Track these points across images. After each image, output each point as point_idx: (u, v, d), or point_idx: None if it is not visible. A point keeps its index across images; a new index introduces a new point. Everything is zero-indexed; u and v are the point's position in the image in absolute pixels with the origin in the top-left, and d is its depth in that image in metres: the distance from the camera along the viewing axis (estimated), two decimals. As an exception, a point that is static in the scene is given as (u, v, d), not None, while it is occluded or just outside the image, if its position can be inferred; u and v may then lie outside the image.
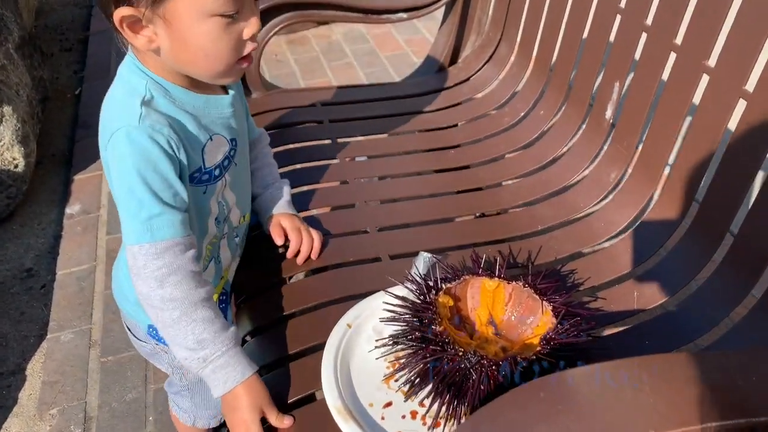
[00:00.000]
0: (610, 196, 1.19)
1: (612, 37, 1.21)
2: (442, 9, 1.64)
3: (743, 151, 0.95)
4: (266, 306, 0.97)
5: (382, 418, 0.77)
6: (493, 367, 0.72)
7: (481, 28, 1.64)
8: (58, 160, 2.27)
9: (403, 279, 0.88)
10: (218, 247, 0.96)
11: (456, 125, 1.45)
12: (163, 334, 0.82)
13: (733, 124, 0.98)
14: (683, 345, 0.92)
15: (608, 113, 1.22)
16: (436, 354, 0.73)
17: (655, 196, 1.13)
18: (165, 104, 0.81)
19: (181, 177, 0.81)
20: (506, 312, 0.86)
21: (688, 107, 1.05)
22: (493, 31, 1.59)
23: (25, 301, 1.76)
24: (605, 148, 1.24)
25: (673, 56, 1.07)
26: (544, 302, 0.83)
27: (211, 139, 0.87)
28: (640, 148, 1.16)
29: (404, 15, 1.55)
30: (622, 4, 1.18)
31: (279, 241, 1.03)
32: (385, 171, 1.29)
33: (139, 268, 0.78)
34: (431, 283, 0.84)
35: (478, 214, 1.21)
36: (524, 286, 0.85)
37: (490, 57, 1.59)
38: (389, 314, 0.82)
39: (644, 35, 1.12)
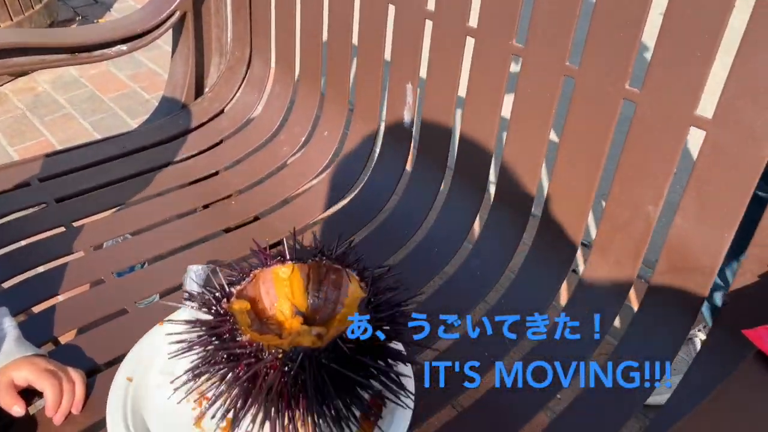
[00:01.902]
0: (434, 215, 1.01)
1: (389, 31, 1.02)
2: (170, 35, 1.33)
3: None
4: None
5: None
6: (322, 355, 0.60)
7: (224, 47, 1.37)
8: None
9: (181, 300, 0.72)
10: None
11: (227, 168, 1.17)
12: None
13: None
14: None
15: (406, 118, 1.04)
16: (252, 366, 0.60)
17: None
18: None
19: None
20: (309, 296, 0.74)
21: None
22: (239, 48, 1.33)
23: None
24: (412, 156, 1.06)
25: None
26: (347, 271, 0.71)
27: None
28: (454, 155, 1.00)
29: (123, 47, 1.21)
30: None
31: (18, 409, 0.67)
32: (155, 249, 0.96)
33: None
34: (218, 293, 0.68)
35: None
36: (322, 261, 0.72)
37: (244, 79, 1.32)
38: (178, 345, 0.66)
39: (429, 23, 0.95)
